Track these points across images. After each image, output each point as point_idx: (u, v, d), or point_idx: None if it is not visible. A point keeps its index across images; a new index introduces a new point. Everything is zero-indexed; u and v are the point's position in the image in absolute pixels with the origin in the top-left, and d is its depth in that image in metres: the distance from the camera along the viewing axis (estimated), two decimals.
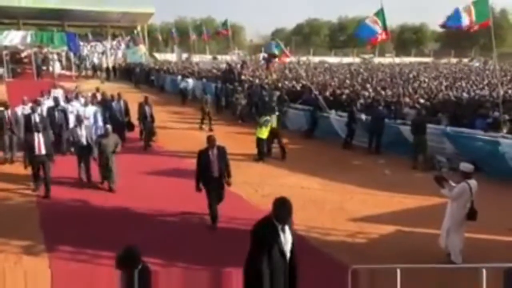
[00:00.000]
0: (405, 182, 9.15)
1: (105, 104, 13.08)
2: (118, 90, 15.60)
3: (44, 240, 6.43)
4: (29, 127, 9.95)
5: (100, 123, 11.79)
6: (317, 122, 13.76)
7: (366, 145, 12.12)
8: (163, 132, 13.77)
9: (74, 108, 12.36)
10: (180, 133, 14.63)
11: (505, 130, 9.89)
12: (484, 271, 3.53)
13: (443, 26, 14.14)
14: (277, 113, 12.27)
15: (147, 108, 12.56)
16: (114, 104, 12.85)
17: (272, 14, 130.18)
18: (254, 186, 8.98)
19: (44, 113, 11.61)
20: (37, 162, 8.32)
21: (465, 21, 11.30)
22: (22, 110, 11.89)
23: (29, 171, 8.58)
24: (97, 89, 15.89)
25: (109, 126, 9.09)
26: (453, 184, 5.83)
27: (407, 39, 73.14)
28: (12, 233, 6.56)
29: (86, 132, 9.01)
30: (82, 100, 13.46)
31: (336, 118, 13.30)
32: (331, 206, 8.02)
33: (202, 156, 6.67)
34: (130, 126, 12.97)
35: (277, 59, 16.17)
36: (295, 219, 7.09)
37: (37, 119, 10.49)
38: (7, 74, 30.97)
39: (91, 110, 12.10)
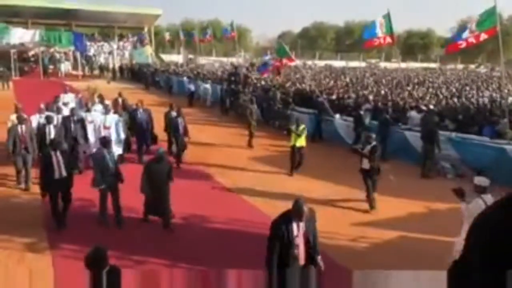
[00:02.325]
0: (410, 188, 9.09)
1: (128, 113, 11.46)
2: (122, 91, 15.31)
3: (48, 238, 6.45)
4: (45, 142, 8.65)
5: (123, 135, 10.34)
6: (321, 125, 13.70)
7: None
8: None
9: (97, 118, 10.34)
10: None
11: (510, 137, 9.81)
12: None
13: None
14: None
15: (179, 120, 10.81)
16: (139, 113, 11.15)
17: (278, 17, 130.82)
18: (258, 188, 8.96)
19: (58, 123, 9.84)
20: (56, 188, 6.72)
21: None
22: (38, 119, 10.03)
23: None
24: (120, 94, 13.98)
25: (162, 149, 7.43)
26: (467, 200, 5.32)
27: (414, 45, 72.89)
28: (15, 231, 6.57)
29: (112, 155, 7.11)
30: (100, 106, 11.70)
31: (341, 122, 13.27)
32: (335, 210, 8.00)
33: (280, 232, 4.09)
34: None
35: (286, 62, 16.02)
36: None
37: (52, 132, 8.97)
38: (14, 72, 31.21)
39: (112, 119, 10.25)
